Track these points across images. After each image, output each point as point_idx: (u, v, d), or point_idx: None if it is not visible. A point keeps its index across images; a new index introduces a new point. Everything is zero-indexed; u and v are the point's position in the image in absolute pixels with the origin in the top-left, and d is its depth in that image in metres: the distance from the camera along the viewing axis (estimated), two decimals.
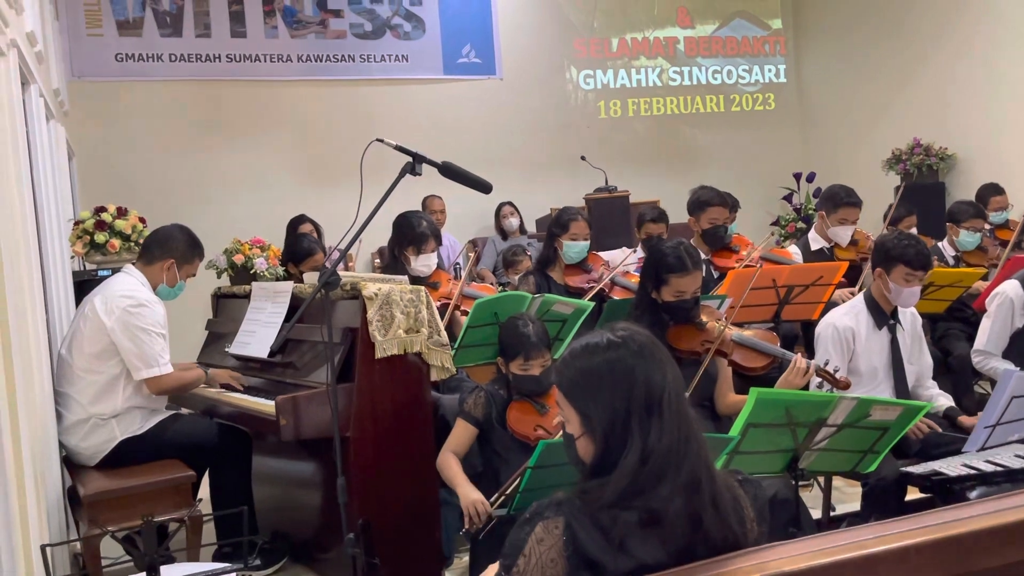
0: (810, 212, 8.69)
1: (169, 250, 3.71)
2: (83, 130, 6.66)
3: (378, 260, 7.30)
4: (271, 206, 7.12)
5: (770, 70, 9.34)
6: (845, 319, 3.47)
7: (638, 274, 4.48)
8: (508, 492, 2.74)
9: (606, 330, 1.60)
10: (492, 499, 2.81)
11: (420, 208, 7.29)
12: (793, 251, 4.80)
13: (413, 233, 4.14)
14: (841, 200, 4.67)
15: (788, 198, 9.01)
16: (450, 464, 3.04)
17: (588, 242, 4.37)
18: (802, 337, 4.71)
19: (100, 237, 4.62)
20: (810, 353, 4.06)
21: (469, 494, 2.85)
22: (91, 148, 6.76)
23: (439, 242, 4.29)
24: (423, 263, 4.16)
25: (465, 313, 4.15)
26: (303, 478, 3.73)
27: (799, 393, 2.64)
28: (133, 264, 3.74)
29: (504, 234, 7.59)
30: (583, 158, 7.54)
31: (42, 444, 3.10)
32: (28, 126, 3.86)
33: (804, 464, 2.68)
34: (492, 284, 6.14)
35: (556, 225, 4.38)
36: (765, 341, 3.29)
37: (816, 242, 4.79)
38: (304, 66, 7.61)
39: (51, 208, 4.30)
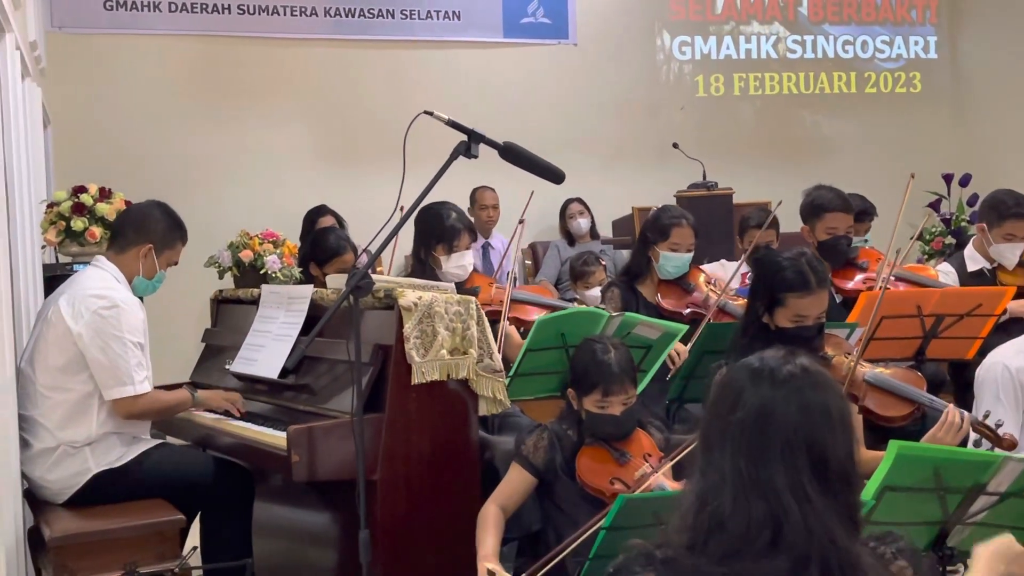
0: (962, 224, 8.53)
1: (146, 233, 3.74)
2: (62, 92, 6.80)
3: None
4: (287, 193, 7.20)
5: (917, 42, 9.21)
6: (1019, 359, 3.39)
7: (745, 296, 4.46)
8: (549, 566, 2.73)
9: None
10: (529, 572, 2.80)
11: (469, 203, 7.33)
12: (945, 271, 4.73)
13: (441, 227, 4.18)
14: (1008, 210, 4.59)
15: (935, 205, 8.86)
16: (487, 520, 3.05)
17: (691, 254, 4.35)
18: (950, 382, 4.63)
19: (78, 224, 4.66)
20: (961, 402, 3.99)
21: (486, 560, 2.90)
22: (71, 114, 6.90)
23: (474, 237, 4.32)
24: (457, 264, 4.19)
25: (516, 323, 4.16)
26: (316, 530, 3.76)
27: (952, 450, 2.59)
28: (104, 255, 3.78)
29: (571, 238, 7.59)
30: (675, 146, 7.51)
31: (5, 471, 3.16)
32: (2, 85, 3.96)
33: (954, 542, 2.63)
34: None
35: (653, 229, 4.36)
36: (907, 383, 3.24)
37: (974, 261, 4.72)
38: (332, 22, 7.69)
39: (23, 186, 4.40)
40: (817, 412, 1.63)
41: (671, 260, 4.29)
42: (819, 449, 1.60)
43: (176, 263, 3.88)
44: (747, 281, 4.99)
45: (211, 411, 3.85)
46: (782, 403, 1.62)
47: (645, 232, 4.41)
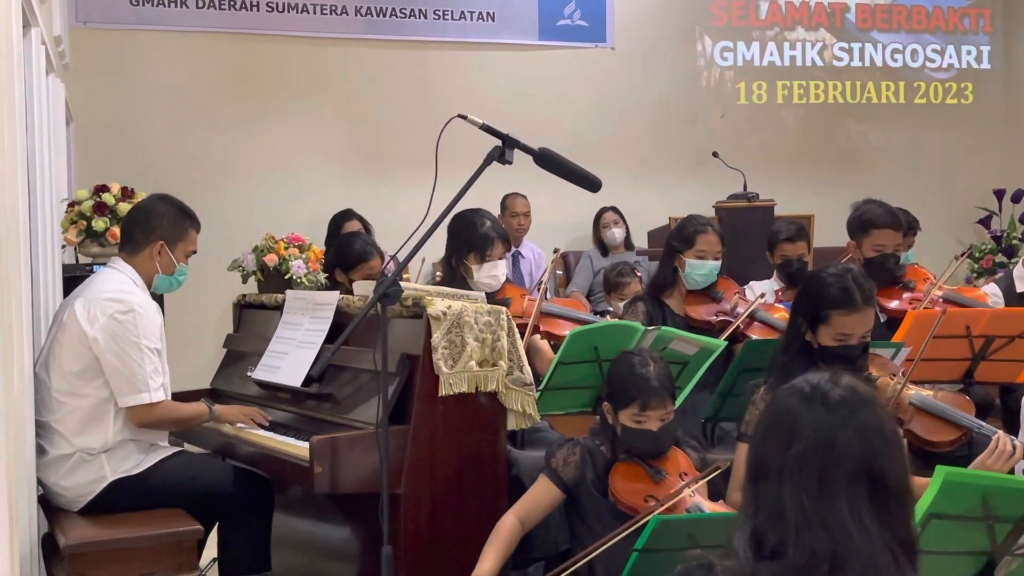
0: (1014, 242, 8.47)
1: (154, 230, 3.72)
2: (85, 89, 6.87)
3: (440, 274, 7.36)
4: (313, 196, 7.25)
5: (969, 52, 9.16)
6: None
7: (783, 307, 4.44)
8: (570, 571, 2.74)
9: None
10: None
11: (499, 210, 7.34)
12: (991, 292, 4.69)
13: (474, 235, 4.17)
14: None
15: (985, 222, 8.81)
16: (499, 534, 3.06)
17: (719, 262, 4.34)
18: (999, 406, 4.59)
19: (99, 224, 4.68)
20: (1009, 428, 3.95)
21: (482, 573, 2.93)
22: (94, 111, 6.97)
23: (508, 247, 4.32)
24: (489, 274, 4.18)
25: (547, 336, 4.16)
26: (336, 544, 3.77)
27: (1002, 477, 2.57)
28: (119, 256, 3.77)
29: (605, 248, 7.59)
30: (715, 155, 7.48)
31: (20, 477, 3.18)
32: (26, 80, 4.00)
33: (1002, 573, 2.61)
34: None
35: (678, 238, 4.36)
36: (955, 407, 3.22)
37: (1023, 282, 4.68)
38: (363, 21, 7.73)
39: (45, 183, 4.44)
40: (874, 435, 1.66)
41: (697, 268, 4.27)
42: (879, 471, 1.63)
43: (195, 252, 3.85)
44: (780, 296, 4.97)
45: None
46: (840, 430, 1.65)
47: (670, 242, 4.39)
